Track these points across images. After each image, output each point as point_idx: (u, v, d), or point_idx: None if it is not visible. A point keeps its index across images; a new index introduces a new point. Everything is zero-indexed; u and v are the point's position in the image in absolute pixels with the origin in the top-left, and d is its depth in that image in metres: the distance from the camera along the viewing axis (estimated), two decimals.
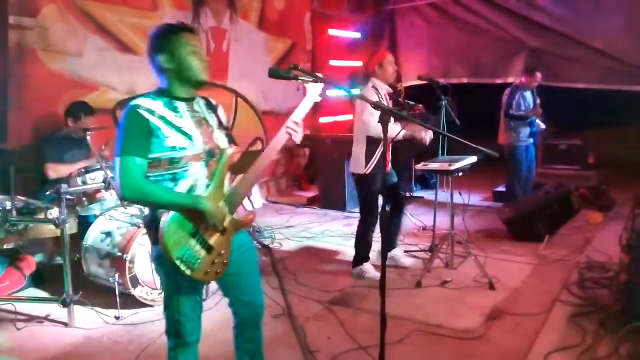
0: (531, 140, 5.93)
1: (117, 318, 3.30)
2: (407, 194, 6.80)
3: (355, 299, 3.61)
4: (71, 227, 3.59)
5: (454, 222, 4.09)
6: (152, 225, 1.90)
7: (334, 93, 7.35)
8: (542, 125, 6.04)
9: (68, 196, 3.40)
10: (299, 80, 2.01)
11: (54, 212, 3.43)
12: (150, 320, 3.27)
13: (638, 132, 7.38)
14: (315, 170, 7.14)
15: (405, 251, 4.46)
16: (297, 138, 2.01)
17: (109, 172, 3.58)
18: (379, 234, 4.08)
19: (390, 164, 4.05)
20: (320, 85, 2.02)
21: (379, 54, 4.18)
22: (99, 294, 3.54)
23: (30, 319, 3.34)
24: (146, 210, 3.21)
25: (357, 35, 8.37)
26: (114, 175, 1.85)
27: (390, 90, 4.12)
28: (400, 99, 4.90)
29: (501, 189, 6.56)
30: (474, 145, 2.14)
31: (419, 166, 4.12)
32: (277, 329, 3.09)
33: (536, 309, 3.33)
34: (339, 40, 8.13)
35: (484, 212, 6.04)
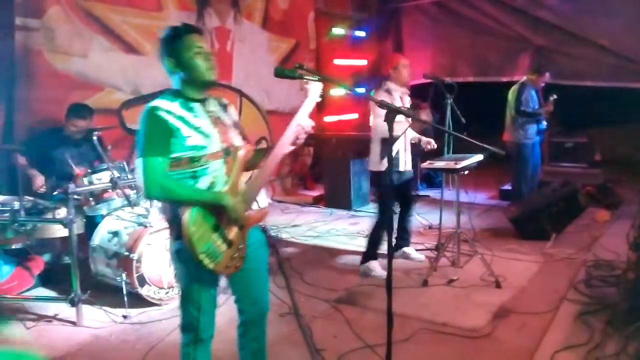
0: (538, 137, 5.90)
1: (125, 317, 3.32)
2: (413, 193, 6.80)
3: (361, 298, 3.61)
4: (79, 227, 3.62)
5: (460, 220, 4.08)
6: (173, 221, 1.94)
7: (338, 92, 7.35)
8: (545, 123, 6.01)
9: (75, 196, 3.42)
10: (305, 80, 2.03)
11: (61, 212, 3.46)
12: (157, 319, 3.29)
13: None
14: (320, 169, 7.15)
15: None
16: (303, 137, 2.05)
17: (115, 173, 3.60)
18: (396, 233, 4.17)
19: (408, 163, 4.12)
20: (321, 85, 2.06)
21: (393, 57, 4.25)
22: (107, 294, 3.56)
23: (39, 318, 3.36)
24: (153, 210, 3.20)
25: (362, 34, 8.35)
26: (137, 176, 1.90)
27: (407, 92, 4.18)
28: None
29: (507, 187, 6.53)
30: (479, 144, 2.14)
31: (425, 165, 4.14)
32: (283, 327, 3.10)
33: (543, 307, 3.32)
34: (343, 39, 8.12)
35: (490, 211, 6.02)
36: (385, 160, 3.94)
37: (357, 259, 4.31)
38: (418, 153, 5.78)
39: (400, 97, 4.08)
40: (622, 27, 6.36)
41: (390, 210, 4.02)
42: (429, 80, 4.64)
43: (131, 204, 3.75)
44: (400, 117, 3.95)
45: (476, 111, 5.59)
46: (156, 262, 3.47)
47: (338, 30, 7.98)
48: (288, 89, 7.27)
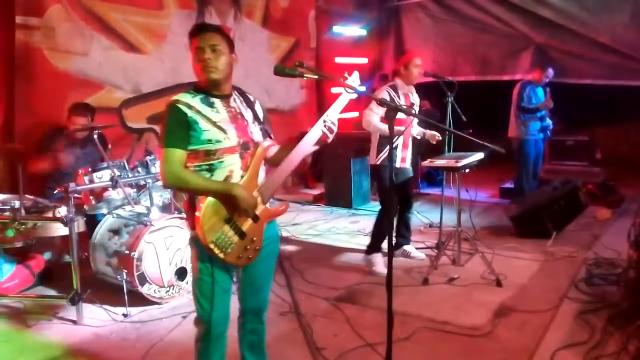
0: (541, 134, 5.92)
1: (125, 315, 3.32)
2: (414, 191, 6.79)
3: (362, 296, 3.61)
4: (79, 225, 3.61)
5: (460, 219, 4.08)
6: (190, 211, 2.00)
7: (339, 91, 7.34)
8: (549, 120, 6.01)
9: (76, 195, 3.42)
10: (304, 78, 2.04)
11: (62, 211, 3.45)
12: (158, 318, 3.29)
13: None
14: (321, 168, 7.14)
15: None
16: (331, 136, 2.11)
17: (116, 171, 3.60)
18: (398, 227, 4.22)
19: (407, 160, 4.14)
20: (356, 81, 2.11)
21: (406, 55, 4.28)
22: (107, 292, 3.56)
23: (40, 316, 3.36)
24: (154, 209, 3.22)
25: (363, 32, 8.34)
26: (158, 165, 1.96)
27: (413, 90, 4.18)
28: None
29: (508, 185, 6.53)
30: (480, 142, 2.13)
31: (426, 163, 4.13)
32: (284, 326, 3.10)
33: (544, 305, 3.32)
34: (344, 38, 8.10)
35: (491, 209, 6.02)
36: (381, 154, 4.02)
37: (358, 257, 4.31)
38: (419, 151, 5.78)
39: (405, 96, 4.08)
40: (624, 25, 6.35)
41: (392, 202, 4.03)
42: (429, 79, 4.63)
43: (131, 202, 3.75)
44: (401, 115, 3.96)
45: (479, 109, 5.60)
46: (157, 260, 3.47)
47: (339, 29, 7.96)
48: (288, 88, 7.27)
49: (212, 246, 1.93)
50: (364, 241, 4.41)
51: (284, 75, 2.02)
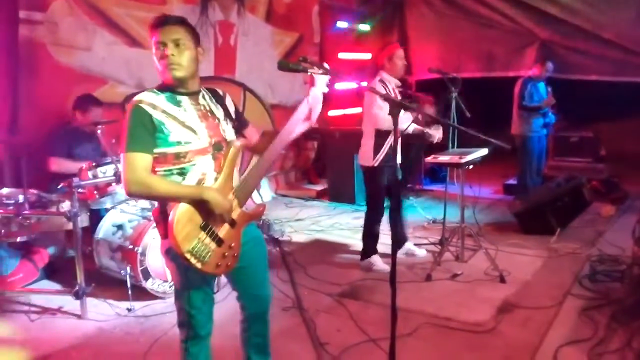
0: (544, 131, 5.90)
1: (129, 310, 3.33)
2: (417, 187, 6.78)
3: (365, 292, 3.61)
4: (83, 220, 3.62)
5: (464, 215, 4.06)
6: (161, 219, 1.89)
7: (342, 86, 7.32)
8: (552, 116, 5.99)
9: (80, 190, 3.42)
10: (309, 73, 1.99)
11: (65, 206, 3.46)
12: (161, 313, 3.30)
13: None
14: (324, 164, 7.13)
15: (415, 244, 4.45)
16: (317, 111, 1.99)
17: (119, 166, 3.60)
18: (388, 227, 4.07)
19: (398, 159, 4.03)
20: (326, 77, 2.00)
21: (388, 47, 4.09)
22: (111, 287, 3.57)
23: (44, 311, 3.38)
24: (156, 204, 3.20)
25: (366, 27, 8.31)
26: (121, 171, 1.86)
27: (399, 83, 4.07)
28: (409, 92, 4.87)
29: (512, 181, 6.51)
30: (485, 137, 2.12)
31: (429, 159, 4.11)
32: (287, 321, 3.10)
33: (547, 302, 3.31)
34: (348, 33, 8.07)
35: (494, 205, 6.00)
36: (379, 155, 3.85)
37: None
38: (422, 147, 5.77)
39: (394, 90, 3.94)
40: (629, 21, 6.29)
41: (381, 205, 3.97)
42: (434, 75, 4.61)
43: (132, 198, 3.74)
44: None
45: (484, 105, 5.57)
46: (160, 255, 3.47)
47: (342, 24, 7.93)
48: (292, 83, 7.24)
49: (188, 256, 1.78)
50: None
51: (287, 70, 1.97)
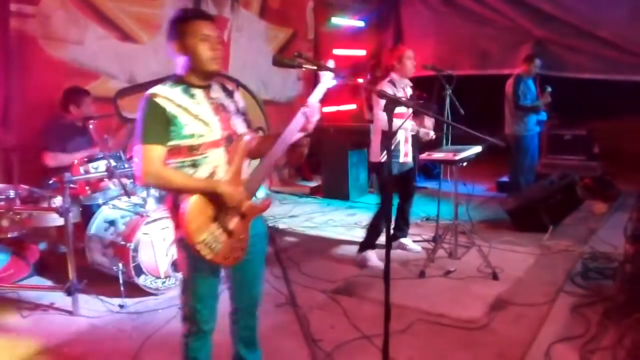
0: (538, 128, 5.91)
1: (121, 306, 3.31)
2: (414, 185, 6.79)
3: (358, 288, 3.61)
4: (75, 216, 3.59)
5: (457, 212, 4.07)
6: (174, 211, 1.92)
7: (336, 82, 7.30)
8: (544, 114, 6.00)
9: (71, 185, 3.39)
10: (303, 69, 1.99)
11: (57, 201, 3.43)
12: (154, 309, 3.28)
13: None
14: (318, 160, 7.12)
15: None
16: (313, 122, 1.98)
17: (112, 161, 3.57)
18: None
19: (409, 155, 4.12)
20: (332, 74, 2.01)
21: (397, 48, 4.20)
22: (103, 283, 3.54)
23: (35, 307, 3.35)
24: (150, 200, 3.18)
25: (361, 24, 8.28)
26: (135, 163, 1.87)
27: (410, 84, 4.15)
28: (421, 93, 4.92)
29: (505, 179, 6.53)
30: (479, 135, 2.11)
31: (423, 156, 4.12)
32: (280, 318, 3.10)
33: (540, 299, 3.33)
34: (343, 29, 8.05)
35: (487, 203, 6.02)
36: (385, 152, 3.95)
37: (355, 249, 4.30)
38: (417, 145, 5.77)
39: (404, 89, 4.07)
40: (623, 19, 6.31)
41: (390, 201, 4.02)
42: (428, 72, 4.60)
43: (128, 193, 3.72)
44: (402, 109, 3.94)
45: (479, 103, 5.58)
46: (153, 251, 3.46)
47: (337, 20, 7.91)
48: (285, 79, 7.22)
49: (199, 246, 1.84)
50: (361, 234, 4.40)
51: (282, 65, 1.97)
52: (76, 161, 3.61)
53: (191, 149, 1.87)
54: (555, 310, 3.19)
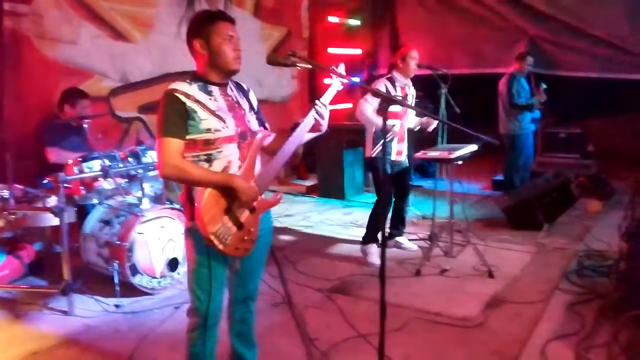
0: (532, 127, 5.93)
1: (117, 306, 3.30)
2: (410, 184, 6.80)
3: (354, 287, 3.61)
4: (70, 216, 3.57)
5: (453, 210, 4.08)
6: (188, 202, 1.98)
7: (330, 81, 7.30)
8: (538, 112, 6.02)
9: (66, 185, 3.37)
10: (297, 67, 2.04)
11: (52, 201, 3.41)
12: (150, 309, 3.27)
13: (639, 120, 7.35)
14: (313, 159, 7.12)
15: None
16: (324, 123, 2.10)
17: (106, 161, 3.56)
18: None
19: (404, 153, 4.15)
20: (342, 71, 2.10)
21: (403, 47, 4.22)
22: (99, 283, 3.53)
23: (30, 307, 3.33)
24: (145, 200, 3.17)
25: (357, 22, 8.28)
26: (155, 155, 1.92)
27: (409, 83, 4.17)
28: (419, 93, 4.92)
29: (500, 177, 6.55)
30: (474, 133, 2.12)
31: (419, 155, 4.11)
32: (276, 317, 3.09)
33: (535, 297, 3.34)
34: (338, 28, 8.03)
35: (483, 201, 6.04)
36: (376, 147, 4.01)
37: (351, 248, 4.31)
38: (415, 143, 5.78)
39: (402, 88, 4.07)
40: (617, 18, 6.34)
41: (387, 194, 4.03)
42: (424, 71, 4.60)
43: (123, 192, 3.71)
44: (397, 108, 3.95)
45: (474, 102, 5.58)
46: (148, 251, 3.45)
47: (332, 19, 7.90)
48: (279, 78, 7.21)
49: (212, 237, 1.90)
50: (357, 232, 4.41)
51: (277, 64, 2.02)
52: (70, 161, 3.59)
53: (207, 143, 1.94)
54: (551, 308, 3.21)
